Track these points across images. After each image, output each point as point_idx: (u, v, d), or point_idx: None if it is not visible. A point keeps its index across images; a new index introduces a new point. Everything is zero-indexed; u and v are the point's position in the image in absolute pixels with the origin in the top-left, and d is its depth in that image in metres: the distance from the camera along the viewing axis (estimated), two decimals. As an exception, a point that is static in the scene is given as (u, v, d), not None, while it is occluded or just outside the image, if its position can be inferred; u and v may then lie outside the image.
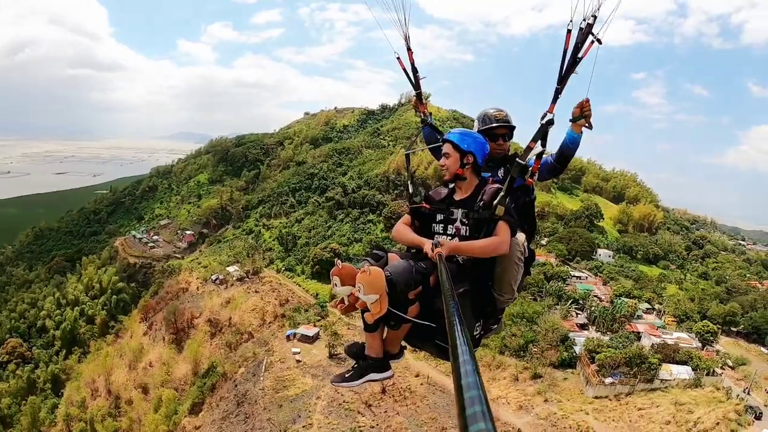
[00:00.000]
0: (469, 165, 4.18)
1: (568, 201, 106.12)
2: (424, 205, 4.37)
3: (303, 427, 44.14)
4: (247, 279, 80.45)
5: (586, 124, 4.43)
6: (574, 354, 51.49)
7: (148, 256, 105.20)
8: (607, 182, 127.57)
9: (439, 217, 4.23)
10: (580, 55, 4.03)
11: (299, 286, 76.47)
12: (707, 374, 47.84)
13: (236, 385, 55.82)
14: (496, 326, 4.56)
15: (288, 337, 60.48)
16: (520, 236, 4.17)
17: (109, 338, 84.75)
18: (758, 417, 42.80)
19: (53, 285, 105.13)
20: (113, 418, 64.60)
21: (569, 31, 3.98)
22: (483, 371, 48.55)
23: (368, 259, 3.69)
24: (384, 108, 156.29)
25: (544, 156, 4.56)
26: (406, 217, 4.41)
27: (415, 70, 4.96)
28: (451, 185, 4.36)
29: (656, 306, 66.65)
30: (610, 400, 45.01)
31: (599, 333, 57.04)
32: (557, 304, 62.97)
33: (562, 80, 4.10)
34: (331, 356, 54.55)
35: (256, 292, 75.40)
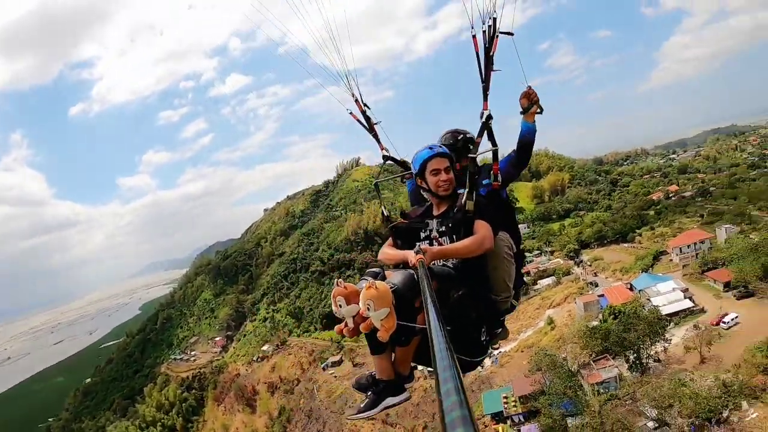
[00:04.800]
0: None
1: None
2: (401, 221, 4.45)
3: (350, 405, 73.36)
4: (279, 349, 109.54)
5: (538, 110, 4.61)
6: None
7: (194, 367, 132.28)
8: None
9: (423, 234, 4.25)
10: (491, 53, 4.31)
11: (317, 338, 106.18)
12: (565, 275, 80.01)
13: (302, 409, 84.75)
14: (500, 330, 4.62)
15: (324, 368, 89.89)
16: (504, 234, 4.30)
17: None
18: (596, 285, 73.90)
19: (128, 418, 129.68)
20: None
21: (474, 36, 4.29)
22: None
23: (366, 278, 3.69)
24: (328, 183, 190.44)
25: (505, 155, 4.80)
26: (389, 240, 4.44)
27: (367, 118, 5.22)
28: (428, 203, 4.51)
29: (545, 249, 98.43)
30: (510, 311, 76.35)
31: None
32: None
33: (485, 79, 4.37)
34: (355, 365, 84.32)
35: (290, 354, 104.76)
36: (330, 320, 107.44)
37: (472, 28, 4.23)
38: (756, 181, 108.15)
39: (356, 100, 5.15)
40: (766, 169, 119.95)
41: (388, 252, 4.24)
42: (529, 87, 4.57)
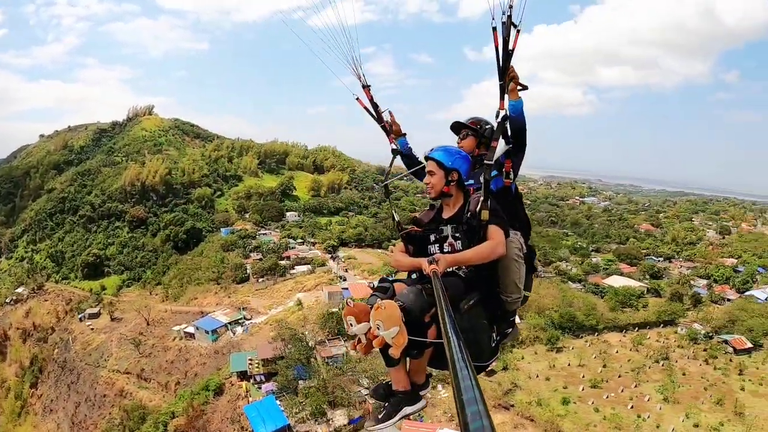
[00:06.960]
0: (454, 182, 4.30)
1: (273, 181, 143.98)
2: (415, 228, 4.42)
3: (105, 358, 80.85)
4: (35, 294, 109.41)
5: (519, 86, 4.41)
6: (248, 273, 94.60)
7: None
8: (307, 159, 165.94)
9: (433, 238, 4.28)
10: (510, 47, 4.16)
11: (76, 287, 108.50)
12: (320, 266, 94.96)
13: (56, 360, 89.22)
14: (511, 330, 4.60)
15: (81, 319, 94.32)
16: (515, 235, 4.33)
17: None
18: (344, 279, 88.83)
19: None
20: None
21: (495, 29, 4.13)
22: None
23: (377, 294, 3.84)
24: (115, 125, 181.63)
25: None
26: (400, 245, 4.50)
27: (375, 105, 5.16)
28: (438, 204, 4.51)
29: (309, 240, 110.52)
30: (266, 289, 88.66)
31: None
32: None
33: (503, 76, 4.25)
34: (113, 319, 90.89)
35: (46, 300, 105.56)
36: (92, 270, 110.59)
37: (493, 19, 4.10)
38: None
39: (364, 86, 5.07)
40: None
41: (400, 259, 4.37)
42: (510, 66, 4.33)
